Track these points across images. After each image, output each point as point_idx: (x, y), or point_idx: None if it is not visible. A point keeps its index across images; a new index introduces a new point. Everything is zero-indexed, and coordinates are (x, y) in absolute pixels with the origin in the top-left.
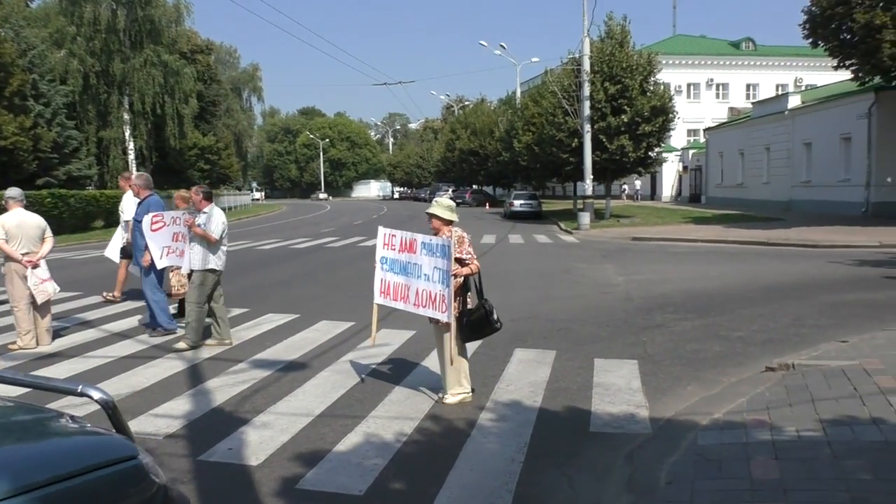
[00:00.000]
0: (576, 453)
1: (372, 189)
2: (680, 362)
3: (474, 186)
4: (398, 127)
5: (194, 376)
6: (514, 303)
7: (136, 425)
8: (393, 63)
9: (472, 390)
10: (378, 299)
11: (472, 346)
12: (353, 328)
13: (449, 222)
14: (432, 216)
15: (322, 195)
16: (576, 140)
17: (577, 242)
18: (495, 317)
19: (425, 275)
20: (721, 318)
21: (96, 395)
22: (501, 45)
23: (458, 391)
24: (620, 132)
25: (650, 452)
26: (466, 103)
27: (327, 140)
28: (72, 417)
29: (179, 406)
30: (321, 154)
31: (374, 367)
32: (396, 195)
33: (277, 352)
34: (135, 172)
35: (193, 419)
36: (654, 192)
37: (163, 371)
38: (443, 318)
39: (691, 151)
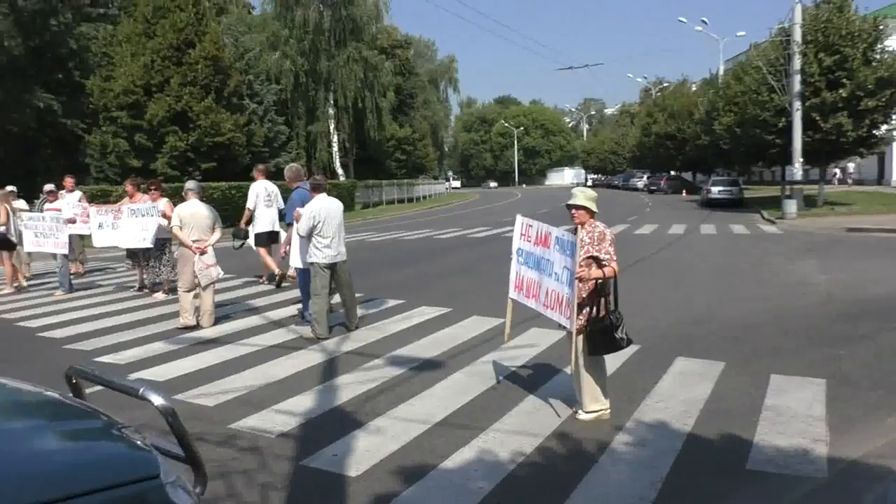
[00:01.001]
0: (722, 497)
1: (566, 177)
2: (882, 386)
3: (671, 172)
4: (593, 112)
5: (328, 371)
6: (687, 302)
7: (257, 420)
8: (588, 47)
9: (609, 407)
10: (512, 293)
11: (624, 353)
12: (503, 326)
13: (593, 214)
14: (576, 206)
15: (492, 183)
16: (783, 119)
17: (780, 233)
18: (621, 333)
19: (556, 273)
20: None
21: (156, 400)
22: (703, 21)
23: (594, 407)
24: (838, 108)
25: None
26: (665, 85)
27: (522, 128)
28: (107, 421)
29: (303, 402)
30: (515, 142)
31: (512, 370)
32: (590, 182)
33: (418, 348)
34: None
35: (312, 417)
36: (881, 176)
37: (301, 363)
38: (566, 324)
39: None
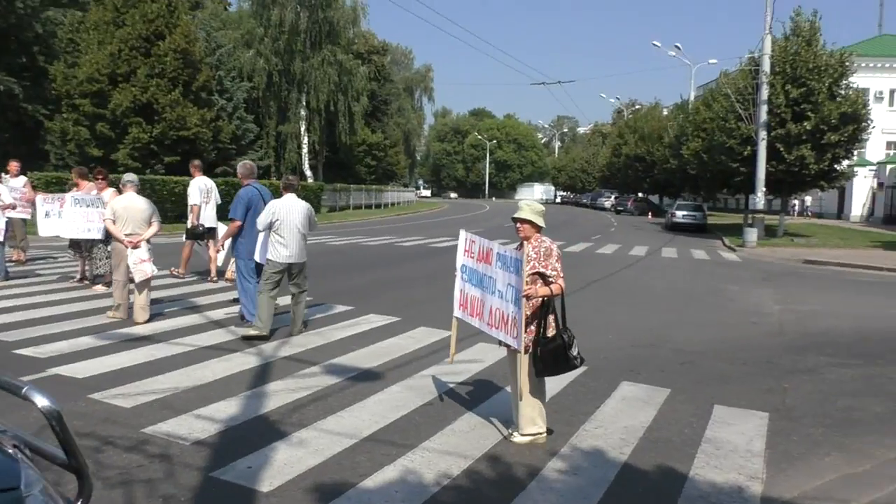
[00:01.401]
0: None
1: (535, 192)
2: (824, 422)
3: (639, 194)
4: (566, 130)
5: (260, 376)
6: (640, 325)
7: (173, 425)
8: (563, 64)
9: (550, 431)
10: (457, 312)
11: (568, 375)
12: (449, 340)
13: (539, 228)
14: (521, 220)
15: (452, 194)
16: (748, 148)
17: (739, 261)
18: (575, 352)
19: (499, 291)
20: (893, 370)
21: (40, 402)
22: (676, 46)
23: (530, 430)
24: (801, 141)
25: None
26: (638, 107)
27: (494, 141)
28: None
29: (227, 408)
30: (488, 155)
31: (452, 386)
32: (558, 199)
33: (358, 357)
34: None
35: (233, 425)
36: (840, 211)
37: (233, 366)
38: (513, 343)
39: (889, 166)
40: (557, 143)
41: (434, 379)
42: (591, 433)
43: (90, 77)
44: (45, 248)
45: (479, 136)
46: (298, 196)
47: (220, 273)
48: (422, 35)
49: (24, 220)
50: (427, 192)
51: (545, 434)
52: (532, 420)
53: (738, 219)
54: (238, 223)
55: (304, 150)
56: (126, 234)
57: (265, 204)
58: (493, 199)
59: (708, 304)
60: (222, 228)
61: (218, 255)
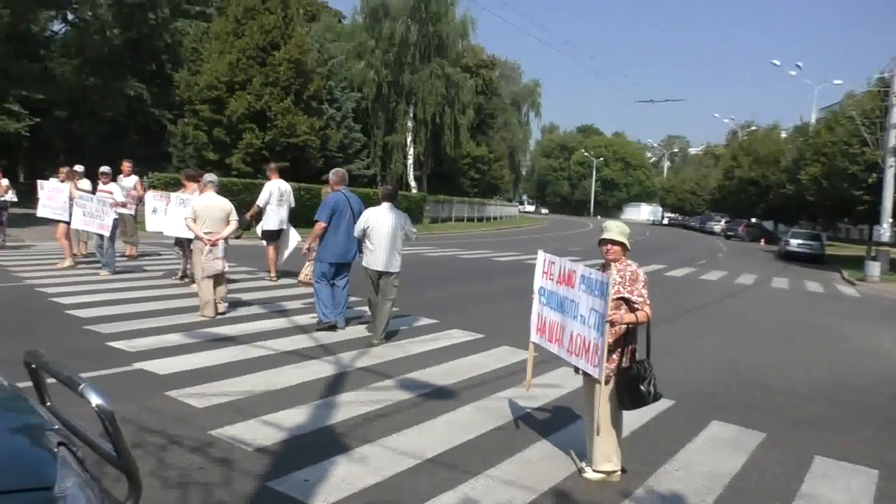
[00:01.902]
0: None
1: (642, 212)
2: None
3: (751, 219)
4: (676, 150)
5: (334, 385)
6: (739, 360)
7: (240, 430)
8: (674, 83)
9: (624, 470)
10: (534, 337)
11: (655, 408)
12: (534, 360)
13: (626, 251)
14: (611, 242)
15: (544, 210)
16: (873, 175)
17: (858, 297)
18: (648, 387)
19: (581, 316)
20: None
21: (94, 400)
22: (797, 65)
23: (604, 467)
24: None
25: None
26: (754, 128)
27: (601, 159)
28: (25, 417)
29: (295, 416)
30: (594, 172)
31: (528, 411)
32: (665, 221)
33: (434, 374)
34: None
35: (297, 434)
36: None
37: (309, 374)
38: (593, 373)
39: None
40: (667, 163)
41: (510, 402)
42: (670, 475)
43: (210, 84)
44: (155, 245)
45: (586, 154)
46: (396, 205)
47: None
48: (531, 50)
49: (134, 217)
50: (531, 208)
51: (619, 472)
52: (607, 456)
53: (860, 251)
54: (322, 224)
55: (410, 160)
56: (205, 233)
57: (351, 210)
58: (598, 217)
59: (818, 342)
60: (293, 233)
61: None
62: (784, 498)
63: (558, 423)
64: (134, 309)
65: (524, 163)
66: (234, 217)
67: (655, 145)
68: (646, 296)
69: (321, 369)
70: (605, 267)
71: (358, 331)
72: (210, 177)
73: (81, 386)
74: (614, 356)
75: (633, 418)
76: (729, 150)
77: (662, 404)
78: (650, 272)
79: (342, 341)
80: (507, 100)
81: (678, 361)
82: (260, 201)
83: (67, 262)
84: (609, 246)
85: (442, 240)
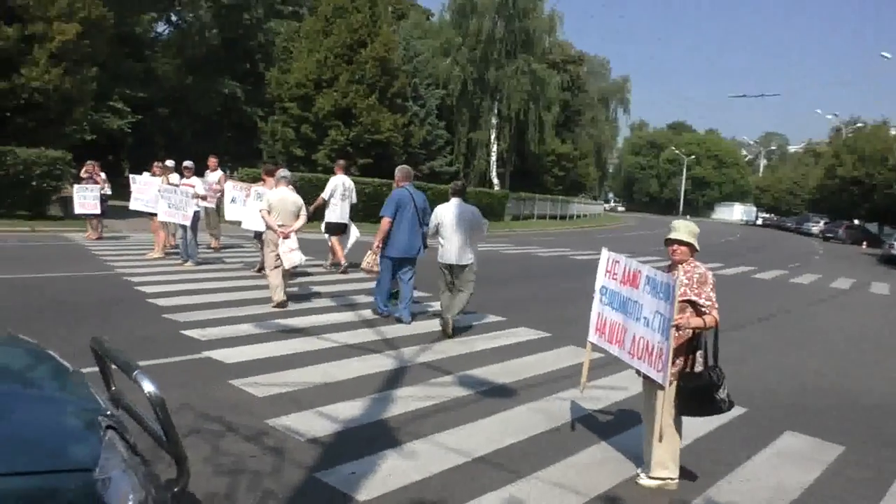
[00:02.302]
0: None
1: (735, 212)
2: None
3: (854, 221)
4: (774, 147)
5: (392, 380)
6: (817, 369)
7: (294, 420)
8: (773, 77)
9: (694, 476)
10: (592, 337)
11: (722, 416)
12: (599, 361)
13: (694, 251)
14: (678, 242)
15: (620, 208)
16: None
17: None
18: (723, 394)
19: (645, 318)
20: None
21: (146, 387)
22: None
23: (660, 474)
24: None
25: None
26: (860, 125)
27: (693, 157)
28: (81, 401)
29: (350, 409)
30: (684, 171)
31: (587, 413)
32: (759, 221)
33: (495, 371)
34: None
35: (350, 427)
36: None
37: (369, 367)
38: (657, 378)
39: None
40: (763, 161)
41: (569, 403)
42: (732, 488)
43: (299, 82)
44: (238, 238)
45: (677, 151)
46: (465, 201)
47: (339, 266)
48: (621, 45)
49: (217, 211)
50: (622, 208)
51: (676, 481)
52: (663, 464)
53: None
54: (388, 220)
55: (493, 157)
56: (278, 225)
57: (415, 206)
58: (688, 217)
59: None
60: (353, 228)
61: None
62: None
63: (617, 427)
64: (210, 299)
65: (611, 160)
66: (304, 212)
67: (752, 143)
68: (713, 299)
69: (382, 363)
70: (671, 268)
71: (423, 326)
72: (283, 172)
73: (135, 372)
74: (678, 361)
75: (699, 426)
76: (831, 147)
77: (732, 412)
78: (737, 274)
79: (406, 336)
80: (594, 96)
81: (753, 368)
82: (325, 194)
83: (157, 253)
84: (676, 246)
85: (521, 237)
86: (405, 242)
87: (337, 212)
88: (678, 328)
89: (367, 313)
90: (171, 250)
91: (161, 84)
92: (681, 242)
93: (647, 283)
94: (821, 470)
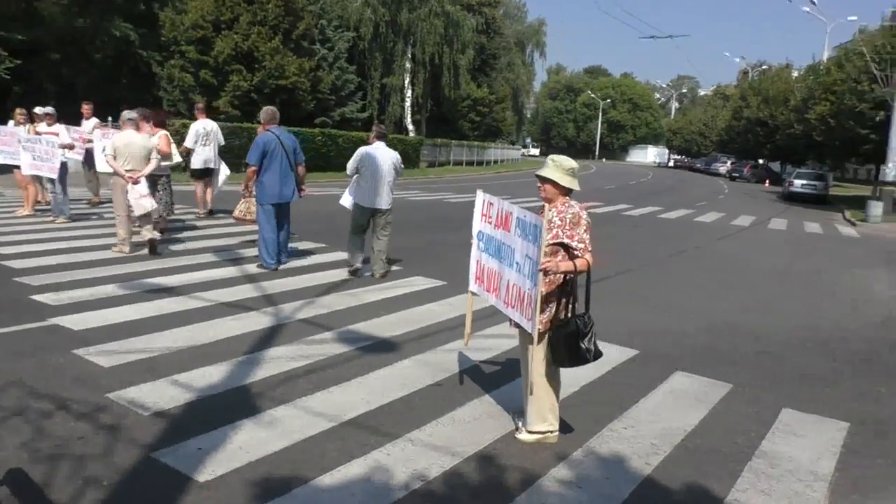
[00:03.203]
0: None
1: (648, 155)
2: None
3: (759, 161)
4: (685, 91)
5: (266, 339)
6: (719, 307)
7: (145, 391)
8: (685, 21)
9: (557, 430)
10: (472, 286)
11: (615, 359)
12: (490, 310)
13: (567, 191)
14: (544, 180)
15: (534, 151)
16: (881, 114)
17: (857, 238)
18: (589, 343)
19: (517, 263)
20: None
21: None
22: (812, 1)
23: (538, 427)
24: None
25: None
26: (765, 67)
27: (608, 101)
28: None
29: (213, 374)
30: (600, 115)
31: (475, 364)
32: (671, 163)
33: (381, 324)
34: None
35: (207, 395)
36: None
37: (243, 326)
38: (526, 326)
39: None
40: (675, 105)
41: (457, 355)
42: (616, 435)
43: (195, 24)
44: None
45: (592, 95)
46: (388, 144)
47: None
48: None
49: (86, 162)
50: (536, 151)
51: (556, 433)
52: (542, 416)
53: (867, 191)
54: (253, 168)
55: (408, 103)
56: (126, 171)
57: (283, 148)
58: (604, 160)
59: (808, 285)
60: (223, 168)
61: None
62: (741, 458)
63: (503, 379)
64: (75, 259)
65: (528, 105)
66: (154, 156)
67: (664, 86)
68: (587, 241)
69: (257, 322)
70: (543, 210)
71: (308, 279)
72: (129, 114)
73: None
74: (549, 308)
75: (588, 371)
76: (738, 90)
77: (623, 355)
78: (644, 214)
79: (290, 291)
80: (511, 39)
81: (649, 308)
82: (187, 142)
83: (27, 210)
84: (543, 184)
85: (435, 184)
86: (277, 188)
87: (199, 158)
88: (546, 273)
89: (251, 268)
90: (46, 206)
91: (48, 26)
92: (545, 180)
93: (517, 226)
94: (707, 410)
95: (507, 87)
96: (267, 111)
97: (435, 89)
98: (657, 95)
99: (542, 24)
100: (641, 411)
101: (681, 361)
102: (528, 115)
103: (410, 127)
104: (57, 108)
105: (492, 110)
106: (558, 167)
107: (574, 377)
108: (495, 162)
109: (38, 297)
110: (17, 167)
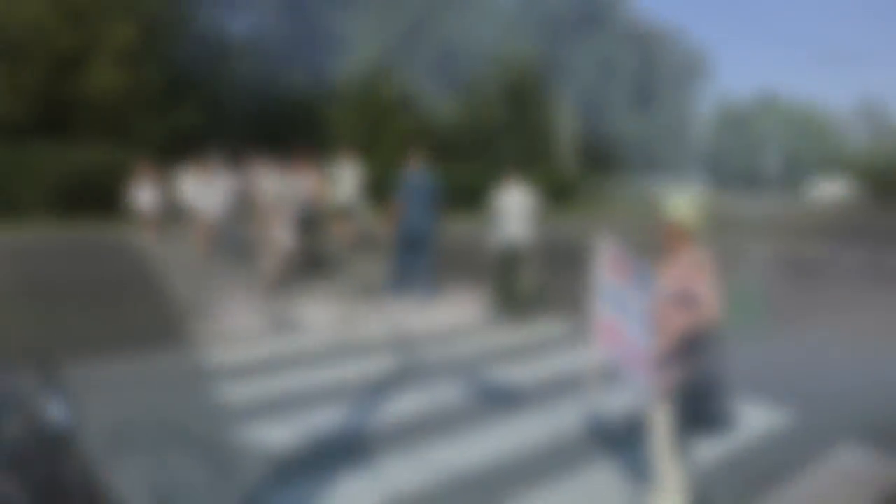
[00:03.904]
0: None
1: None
2: None
3: None
4: None
5: (394, 380)
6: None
7: (268, 427)
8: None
9: None
10: (597, 339)
11: (755, 424)
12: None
13: (691, 233)
14: (662, 220)
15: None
16: None
17: None
18: (717, 409)
19: (634, 316)
20: None
21: None
22: None
23: (663, 501)
24: None
25: None
26: None
27: None
28: None
29: (336, 415)
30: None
31: (600, 423)
32: None
33: (507, 371)
34: None
35: (327, 437)
36: None
37: (372, 365)
38: (645, 387)
39: None
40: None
41: (582, 411)
42: None
43: None
44: None
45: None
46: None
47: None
48: None
49: None
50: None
51: None
52: (667, 488)
53: None
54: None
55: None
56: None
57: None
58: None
59: None
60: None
61: None
62: None
63: (631, 445)
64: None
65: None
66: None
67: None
68: (711, 290)
69: (386, 362)
70: (665, 255)
71: (439, 318)
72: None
73: None
74: (671, 369)
75: (726, 441)
76: None
77: (776, 421)
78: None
79: (422, 329)
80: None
81: (811, 360)
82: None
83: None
84: (661, 226)
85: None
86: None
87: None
88: (664, 327)
89: (386, 304)
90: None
91: None
92: (664, 220)
93: (636, 275)
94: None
95: None
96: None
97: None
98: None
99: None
100: (794, 498)
101: (850, 430)
102: None
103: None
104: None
105: None
106: (685, 205)
107: (710, 448)
108: None
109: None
110: None
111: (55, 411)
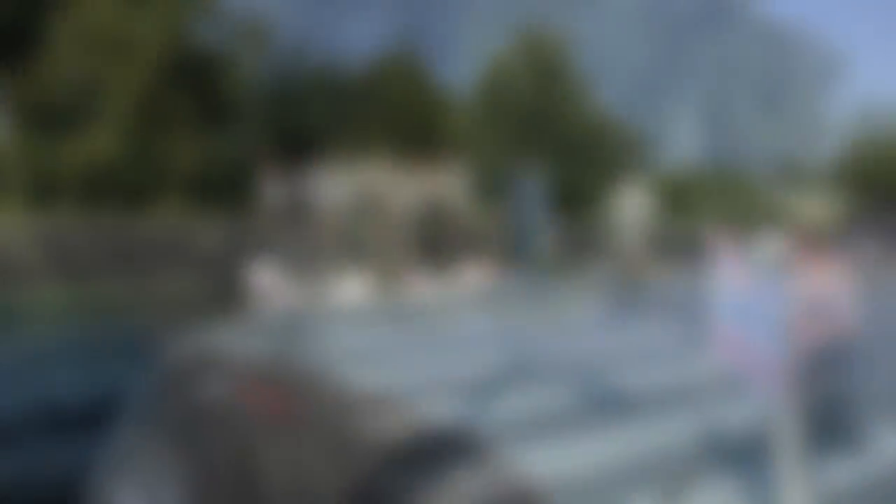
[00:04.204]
0: None
1: None
2: None
3: None
4: None
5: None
6: None
7: None
8: None
9: None
10: (716, 349)
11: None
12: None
13: (822, 238)
14: (799, 229)
15: None
16: None
17: None
18: (852, 426)
19: (761, 325)
20: None
21: None
22: None
23: None
24: None
25: None
26: None
27: None
28: None
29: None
30: None
31: (720, 438)
32: None
33: (622, 376)
34: None
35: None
36: None
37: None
38: (775, 399)
39: None
40: None
41: (699, 425)
42: None
43: None
44: None
45: None
46: None
47: None
48: None
49: None
50: None
51: None
52: None
53: None
54: None
55: None
56: None
57: None
58: None
59: None
60: None
61: None
62: None
63: (753, 462)
64: None
65: None
66: None
67: None
68: (848, 299)
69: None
70: (794, 260)
71: None
72: None
73: None
74: (803, 383)
75: (864, 465)
76: None
77: None
78: None
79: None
80: None
81: None
82: None
83: None
84: (798, 232)
85: None
86: None
87: None
88: (796, 338)
89: None
90: None
91: None
92: (805, 230)
93: (761, 281)
94: None
95: None
96: None
97: None
98: None
99: None
100: None
101: None
102: None
103: None
104: None
105: None
106: (819, 213)
107: (842, 469)
108: None
109: None
110: None
111: None
